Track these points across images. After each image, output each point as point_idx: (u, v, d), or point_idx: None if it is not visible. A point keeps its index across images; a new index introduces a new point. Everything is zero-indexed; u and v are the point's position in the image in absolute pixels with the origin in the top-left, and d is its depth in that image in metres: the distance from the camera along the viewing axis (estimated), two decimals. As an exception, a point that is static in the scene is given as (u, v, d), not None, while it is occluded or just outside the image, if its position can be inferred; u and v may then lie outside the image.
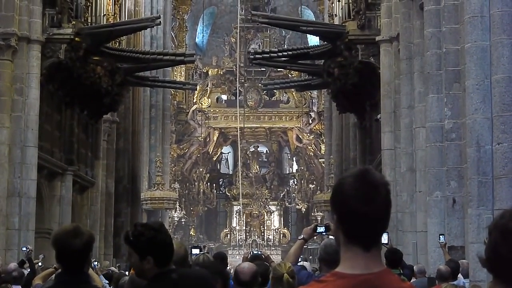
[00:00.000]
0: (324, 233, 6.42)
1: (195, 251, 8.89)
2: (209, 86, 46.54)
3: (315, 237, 8.05)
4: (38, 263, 14.86)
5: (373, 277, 2.37)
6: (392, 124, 19.48)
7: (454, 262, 10.88)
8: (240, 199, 41.29)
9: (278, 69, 41.29)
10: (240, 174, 43.95)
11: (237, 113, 43.71)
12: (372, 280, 2.37)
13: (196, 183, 45.35)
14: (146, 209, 34.52)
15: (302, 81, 30.89)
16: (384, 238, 11.58)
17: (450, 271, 9.99)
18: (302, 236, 6.44)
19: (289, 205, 47.26)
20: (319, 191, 40.81)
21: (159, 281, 4.24)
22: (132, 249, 4.20)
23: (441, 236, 12.75)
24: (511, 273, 2.36)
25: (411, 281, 11.02)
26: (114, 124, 28.38)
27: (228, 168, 49.95)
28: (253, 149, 47.70)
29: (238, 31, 41.10)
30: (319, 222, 42.83)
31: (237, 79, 40.11)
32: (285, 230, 46.11)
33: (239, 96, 41.33)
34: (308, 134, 46.12)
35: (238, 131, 39.28)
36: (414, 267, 12.07)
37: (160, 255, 4.25)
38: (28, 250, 14.96)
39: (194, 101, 46.07)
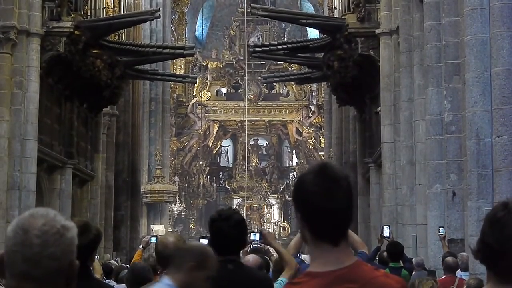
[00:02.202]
0: (258, 240, 6.33)
1: (204, 241, 8.90)
2: (208, 79, 46.53)
3: None
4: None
5: (346, 271, 2.37)
6: (391, 117, 19.47)
7: (451, 254, 10.90)
8: (245, 192, 41.21)
9: (278, 62, 41.26)
10: (241, 167, 43.97)
11: (236, 106, 43.81)
12: (345, 274, 2.36)
13: (196, 176, 45.39)
14: (146, 202, 34.56)
15: (302, 74, 30.85)
16: (386, 232, 11.60)
17: (457, 262, 10.00)
18: None
19: (289, 198, 47.24)
20: (319, 184, 40.75)
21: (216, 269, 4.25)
22: None
23: (440, 229, 12.77)
24: (500, 264, 2.36)
25: (412, 274, 11.04)
26: (113, 117, 28.36)
27: (228, 161, 49.95)
28: (253, 142, 47.73)
29: (243, 24, 41.03)
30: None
31: (245, 72, 40.06)
32: (285, 223, 46.16)
33: (241, 89, 41.34)
34: (308, 127, 46.12)
35: (246, 123, 39.23)
36: (412, 260, 12.08)
37: (215, 242, 4.28)
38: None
39: (194, 94, 46.07)
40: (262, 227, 44.59)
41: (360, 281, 2.36)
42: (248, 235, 6.13)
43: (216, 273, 4.24)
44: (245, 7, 38.93)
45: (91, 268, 4.05)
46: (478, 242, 2.42)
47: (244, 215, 44.26)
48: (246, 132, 39.15)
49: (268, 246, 6.38)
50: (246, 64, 39.03)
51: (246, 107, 39.56)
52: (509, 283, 2.36)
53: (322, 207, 2.35)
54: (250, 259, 6.07)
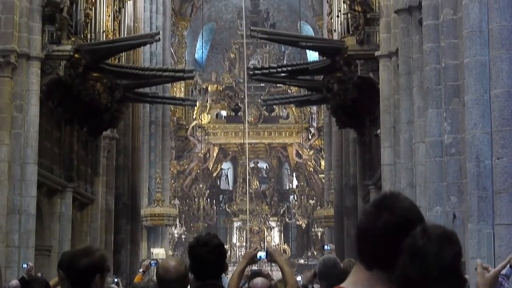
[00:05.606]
0: (265, 258, 6.05)
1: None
2: (208, 102, 46.55)
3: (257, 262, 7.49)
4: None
5: None
6: (391, 139, 19.45)
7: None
8: (247, 215, 40.99)
9: (278, 85, 41.30)
10: (241, 190, 43.87)
11: (236, 128, 43.77)
12: None
13: (196, 199, 45.28)
14: (146, 226, 34.46)
15: (302, 97, 30.86)
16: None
17: None
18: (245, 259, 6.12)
19: (289, 221, 47.16)
20: (319, 207, 40.74)
21: None
22: None
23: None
24: None
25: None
26: (113, 140, 28.36)
27: (228, 184, 49.88)
28: (253, 165, 47.68)
29: (243, 47, 41.05)
30: (319, 237, 42.78)
31: (245, 95, 40.00)
32: (286, 246, 45.98)
33: (241, 112, 41.27)
34: (308, 150, 46.09)
35: (246, 145, 39.16)
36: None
37: (195, 268, 4.37)
38: (28, 267, 14.92)
39: (194, 117, 46.06)
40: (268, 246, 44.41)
41: None
42: (256, 254, 6.00)
43: None
44: (245, 30, 39.08)
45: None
46: (397, 274, 2.29)
47: (245, 238, 44.29)
48: (247, 155, 39.07)
49: (269, 270, 6.33)
50: (246, 87, 39.10)
51: (247, 130, 39.55)
52: None
53: (361, 228, 2.43)
54: (259, 282, 6.00)
